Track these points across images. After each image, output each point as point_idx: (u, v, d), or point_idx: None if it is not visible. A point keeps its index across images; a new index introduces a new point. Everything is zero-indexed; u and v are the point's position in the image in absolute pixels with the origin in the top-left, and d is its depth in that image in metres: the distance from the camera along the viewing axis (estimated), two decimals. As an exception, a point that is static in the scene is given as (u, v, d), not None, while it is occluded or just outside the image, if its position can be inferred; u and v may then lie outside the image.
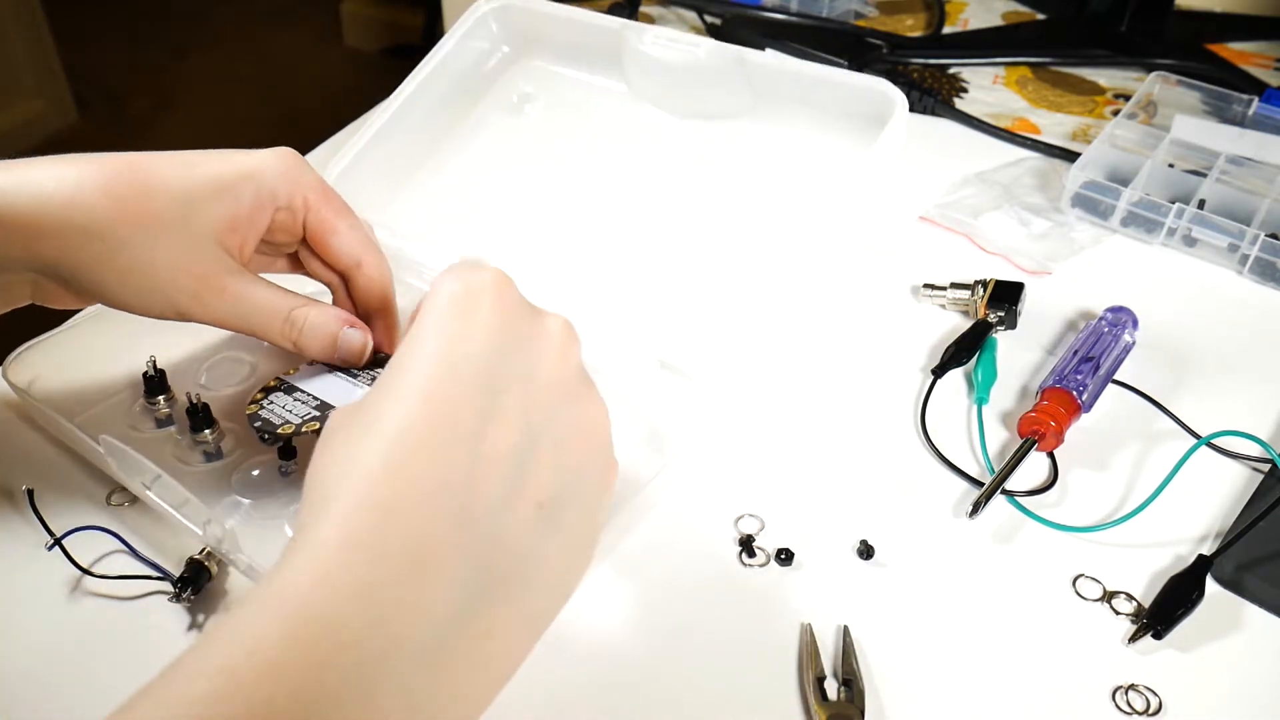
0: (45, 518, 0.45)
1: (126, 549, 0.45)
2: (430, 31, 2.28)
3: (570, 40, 0.66)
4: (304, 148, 0.74)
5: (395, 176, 0.64)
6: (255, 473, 0.48)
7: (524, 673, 0.42)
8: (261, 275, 0.46)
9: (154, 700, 0.26)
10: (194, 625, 0.43)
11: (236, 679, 0.26)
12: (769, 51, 0.60)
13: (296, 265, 0.50)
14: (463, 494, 0.30)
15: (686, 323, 0.53)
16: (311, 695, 0.26)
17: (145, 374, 0.51)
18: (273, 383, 0.48)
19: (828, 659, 0.42)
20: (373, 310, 0.48)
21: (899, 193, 0.71)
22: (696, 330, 0.52)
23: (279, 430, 0.45)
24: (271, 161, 0.45)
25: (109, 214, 0.41)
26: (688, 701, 0.41)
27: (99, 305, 0.45)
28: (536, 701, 0.41)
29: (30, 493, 0.46)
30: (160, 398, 0.51)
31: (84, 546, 0.45)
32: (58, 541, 0.44)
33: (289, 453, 0.48)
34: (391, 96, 0.63)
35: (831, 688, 0.41)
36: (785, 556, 0.46)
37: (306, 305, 0.45)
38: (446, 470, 0.30)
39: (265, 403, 0.47)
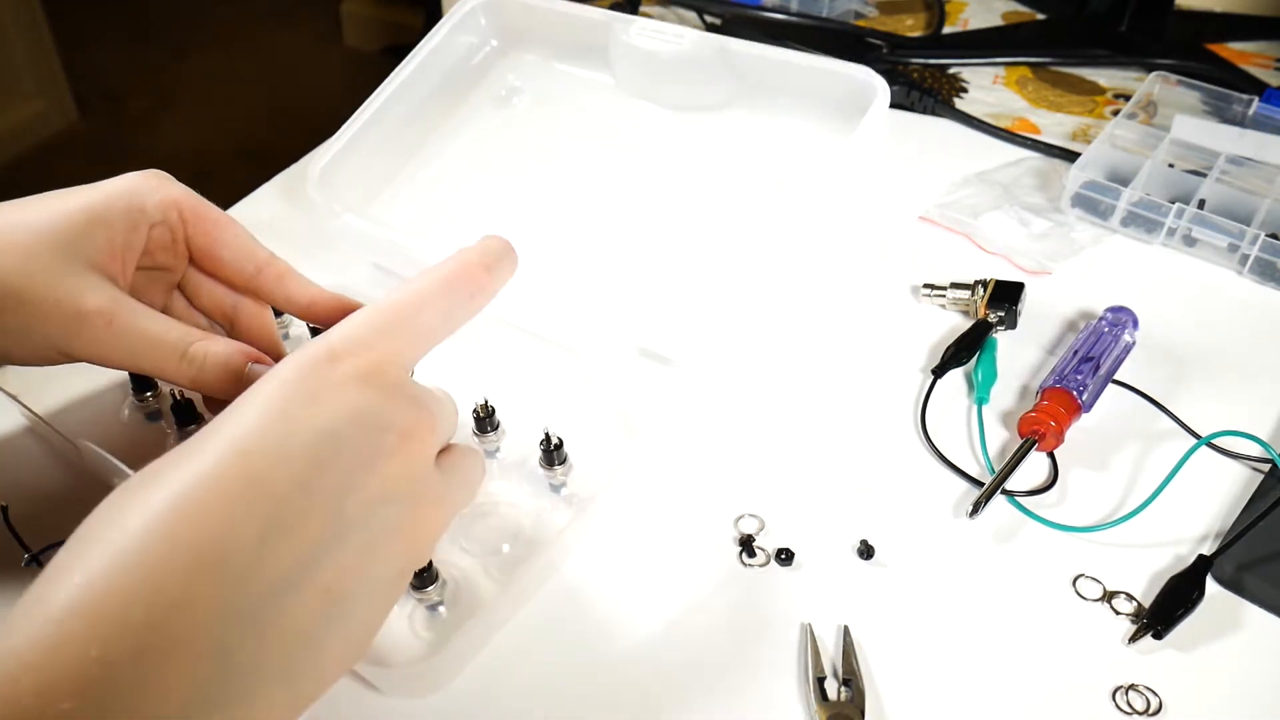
0: (45, 523, 0.45)
1: None
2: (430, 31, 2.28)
3: (558, 33, 0.67)
4: (304, 148, 0.74)
5: (382, 169, 0.64)
6: None
7: (525, 672, 0.42)
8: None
9: None
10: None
11: None
12: (752, 41, 0.60)
13: (183, 303, 0.46)
14: (243, 567, 0.28)
15: (671, 311, 0.53)
16: None
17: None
18: None
19: (828, 659, 0.42)
20: (303, 306, 0.45)
21: (899, 193, 0.71)
22: (681, 318, 0.53)
23: None
24: (137, 181, 0.42)
25: None
26: (688, 701, 0.41)
27: None
28: (537, 701, 0.41)
29: (4, 509, 0.46)
30: (149, 394, 0.51)
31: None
32: (34, 558, 0.44)
33: None
34: (379, 89, 0.63)
35: (832, 688, 0.41)
36: (785, 556, 0.46)
37: (206, 339, 0.40)
38: (233, 537, 0.28)
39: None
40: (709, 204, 0.59)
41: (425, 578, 0.42)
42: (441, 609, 0.43)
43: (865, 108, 0.54)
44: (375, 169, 0.63)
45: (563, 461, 0.47)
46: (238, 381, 0.40)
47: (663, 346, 0.52)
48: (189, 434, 0.48)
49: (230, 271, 0.44)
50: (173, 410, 0.49)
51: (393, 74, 0.64)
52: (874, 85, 0.54)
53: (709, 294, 0.53)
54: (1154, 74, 0.77)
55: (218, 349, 0.40)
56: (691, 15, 0.94)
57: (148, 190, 0.42)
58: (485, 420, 0.49)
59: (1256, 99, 0.74)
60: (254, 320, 0.45)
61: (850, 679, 0.41)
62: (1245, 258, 0.64)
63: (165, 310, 0.44)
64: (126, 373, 0.51)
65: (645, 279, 0.57)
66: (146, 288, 0.45)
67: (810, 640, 0.43)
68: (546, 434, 0.47)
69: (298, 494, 0.29)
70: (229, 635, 0.27)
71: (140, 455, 0.44)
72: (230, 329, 0.46)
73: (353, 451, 0.30)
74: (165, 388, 0.51)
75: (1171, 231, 0.66)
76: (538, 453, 0.47)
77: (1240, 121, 0.75)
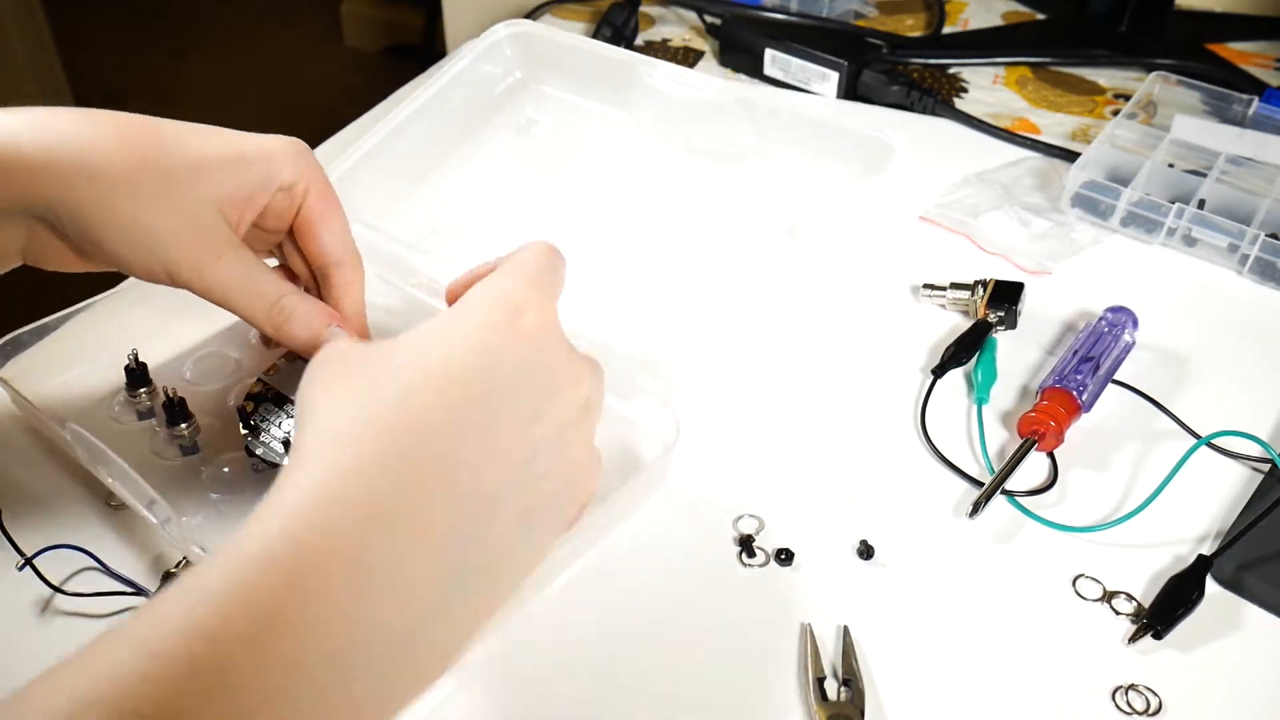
0: (42, 524, 0.45)
1: (99, 566, 0.44)
2: (430, 31, 2.27)
3: (581, 70, 0.68)
4: (303, 148, 0.74)
5: (396, 185, 0.64)
6: (226, 469, 0.48)
7: (526, 672, 0.42)
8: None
9: (79, 669, 0.24)
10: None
11: (186, 645, 0.24)
12: (774, 91, 0.61)
13: (276, 258, 0.50)
14: (468, 484, 0.30)
15: (672, 321, 0.53)
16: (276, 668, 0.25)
17: (127, 366, 0.51)
18: (256, 388, 0.48)
19: (827, 659, 0.42)
20: (344, 314, 0.48)
21: (899, 193, 0.71)
22: (681, 325, 0.53)
23: (280, 464, 0.46)
24: (283, 145, 0.45)
25: (122, 162, 0.41)
26: (688, 701, 0.41)
27: (88, 306, 0.45)
28: (538, 700, 0.41)
29: None
30: (142, 391, 0.51)
31: (65, 562, 0.44)
32: (28, 562, 0.44)
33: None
34: (400, 106, 0.63)
35: (831, 688, 0.41)
36: (785, 556, 0.46)
37: (297, 295, 0.44)
38: (458, 452, 0.30)
39: (259, 420, 0.47)
40: (714, 242, 0.60)
41: None
42: None
43: (883, 161, 0.56)
44: (389, 183, 0.63)
45: None
46: (316, 340, 0.43)
47: (662, 353, 0.52)
48: (178, 433, 0.49)
49: (318, 252, 0.47)
50: (164, 408, 0.49)
51: (414, 91, 0.65)
52: (891, 145, 0.56)
53: (712, 310, 0.53)
54: (1154, 74, 0.77)
55: (307, 305, 0.44)
56: (691, 15, 0.94)
57: (288, 157, 0.44)
58: None
59: (1256, 99, 0.74)
60: (348, 288, 0.47)
61: (850, 679, 0.41)
62: (1245, 258, 0.64)
63: None
64: (123, 369, 0.51)
65: (648, 306, 0.57)
66: (252, 242, 0.47)
67: (810, 640, 0.43)
68: None
69: (505, 417, 0.31)
70: (453, 550, 0.29)
71: (125, 450, 0.44)
72: (323, 286, 0.48)
73: (541, 385, 0.33)
74: (159, 385, 0.51)
75: (1171, 231, 0.66)
76: None
77: (1240, 121, 0.75)
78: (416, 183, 0.65)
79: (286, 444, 0.46)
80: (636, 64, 0.64)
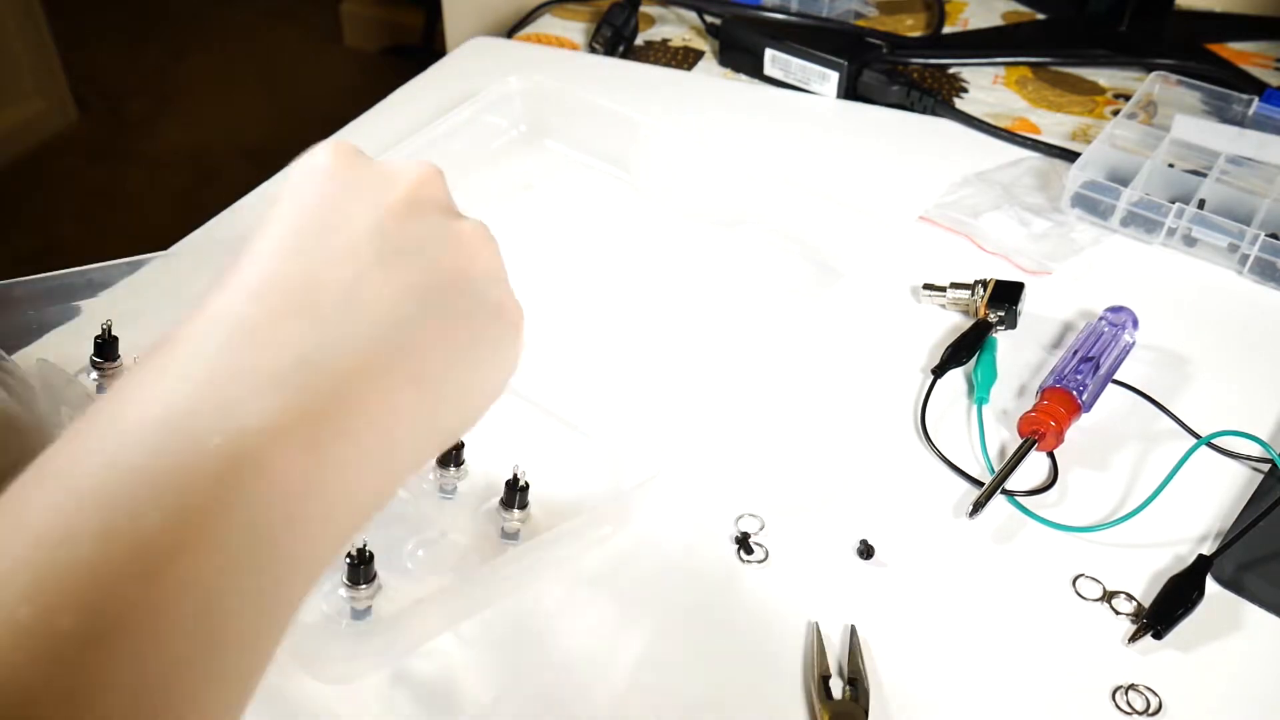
0: None
1: None
2: (430, 31, 2.27)
3: (588, 127, 0.70)
4: (304, 148, 0.74)
5: None
6: None
7: (527, 673, 0.42)
8: None
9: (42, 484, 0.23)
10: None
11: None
12: (778, 176, 0.64)
13: None
14: (318, 274, 0.28)
15: (672, 395, 0.54)
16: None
17: (96, 337, 0.49)
18: None
19: (833, 657, 0.42)
20: None
21: (899, 193, 0.71)
22: (683, 398, 0.54)
23: None
24: None
25: None
26: (690, 700, 0.41)
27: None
28: (539, 700, 0.41)
29: None
30: (110, 365, 0.49)
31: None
32: None
33: None
34: (399, 144, 0.64)
35: (836, 686, 0.41)
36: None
37: None
38: (304, 260, 0.28)
39: None
40: (705, 309, 0.61)
41: (360, 573, 0.41)
42: (369, 617, 0.42)
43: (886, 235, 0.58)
44: None
45: (524, 506, 0.46)
46: None
47: (660, 355, 0.52)
48: None
49: None
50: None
51: (419, 132, 0.65)
52: (893, 228, 0.58)
53: (700, 312, 0.54)
54: (1154, 74, 0.77)
55: None
56: (691, 15, 0.94)
57: None
58: (450, 454, 0.47)
59: (1256, 99, 0.74)
60: None
61: (856, 678, 0.41)
62: (1245, 258, 0.64)
63: None
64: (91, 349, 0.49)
65: (633, 369, 0.58)
66: None
67: (816, 639, 0.43)
68: (515, 475, 0.45)
69: (331, 228, 0.29)
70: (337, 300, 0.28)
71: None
72: None
73: (370, 193, 0.31)
74: (128, 359, 0.49)
75: (1171, 231, 0.66)
76: (499, 495, 0.46)
77: (1240, 121, 0.75)
78: None
79: None
80: (640, 125, 0.66)
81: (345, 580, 0.42)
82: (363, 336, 0.27)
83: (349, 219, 0.30)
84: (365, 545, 0.41)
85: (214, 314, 0.27)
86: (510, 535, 0.46)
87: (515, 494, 0.45)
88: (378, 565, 0.42)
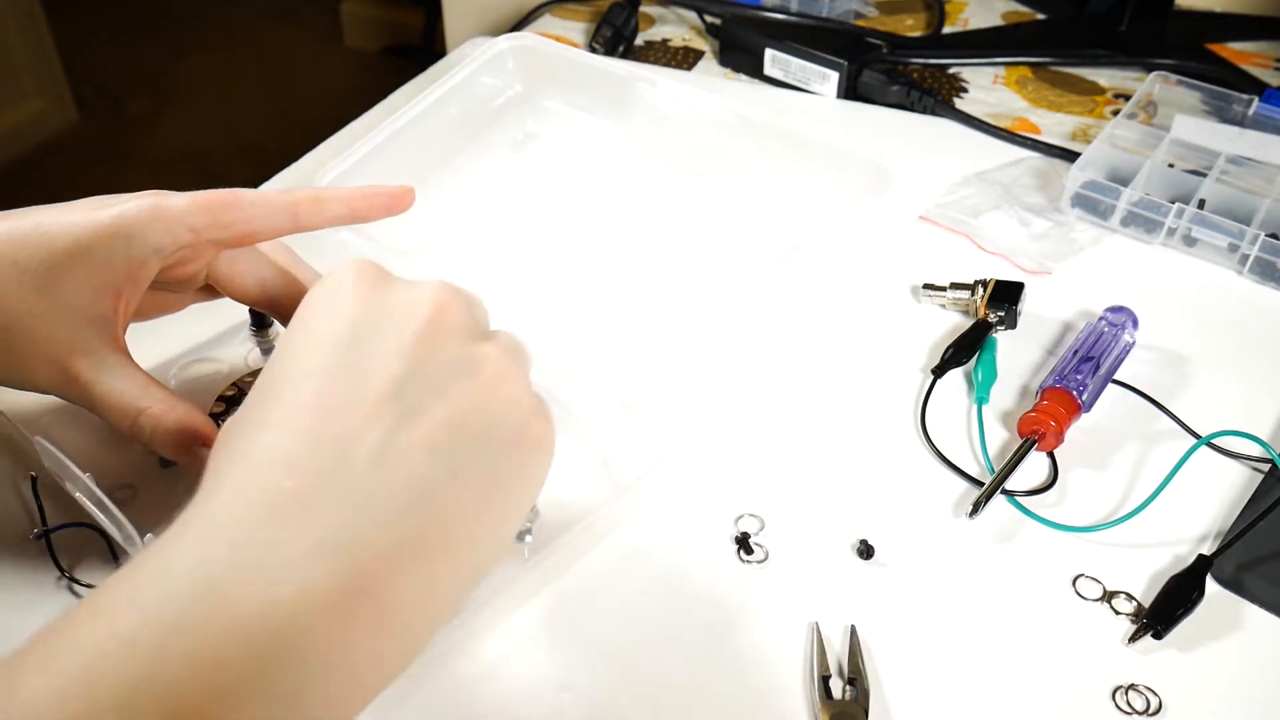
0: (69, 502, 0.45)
1: (110, 554, 0.44)
2: (430, 31, 2.27)
3: (582, 85, 0.68)
4: (304, 147, 0.74)
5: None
6: None
7: (529, 671, 0.42)
8: (131, 351, 0.42)
9: (35, 669, 0.24)
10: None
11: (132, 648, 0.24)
12: (773, 102, 0.62)
13: (212, 293, 0.47)
14: (347, 443, 0.29)
15: (672, 344, 0.54)
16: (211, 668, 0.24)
17: None
18: (229, 391, 0.47)
19: (833, 657, 0.42)
20: None
21: (899, 193, 0.71)
22: (682, 351, 0.53)
23: None
24: (129, 215, 0.40)
25: None
26: (691, 699, 0.41)
27: None
28: (540, 700, 0.41)
29: (34, 479, 0.46)
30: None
31: (88, 544, 0.45)
32: (45, 534, 0.44)
33: None
34: (397, 114, 0.63)
35: (836, 686, 0.41)
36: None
37: (161, 408, 0.41)
38: (334, 427, 0.29)
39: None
40: (714, 260, 0.60)
41: None
42: None
43: (884, 185, 0.56)
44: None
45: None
46: (190, 456, 0.41)
47: (657, 355, 0.52)
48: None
49: (271, 235, 0.44)
50: None
51: (413, 99, 0.65)
52: (890, 170, 0.57)
53: (709, 324, 0.54)
54: (1154, 74, 0.77)
55: (168, 423, 0.41)
56: (691, 15, 0.94)
57: (145, 225, 0.40)
58: None
59: (1256, 99, 0.74)
60: (320, 219, 0.44)
61: (856, 678, 0.41)
62: (1245, 257, 0.64)
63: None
64: None
65: (634, 327, 0.58)
66: (165, 302, 0.46)
67: (816, 639, 0.43)
68: None
69: (359, 375, 0.30)
70: (340, 507, 0.28)
71: (100, 461, 0.44)
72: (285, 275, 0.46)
73: (391, 326, 0.31)
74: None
75: (1171, 231, 0.66)
76: None
77: (1240, 121, 0.75)
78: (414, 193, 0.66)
79: None
80: (636, 80, 0.65)
81: None
82: (393, 511, 0.28)
83: (374, 362, 0.30)
84: None
85: (254, 484, 0.28)
86: (520, 535, 0.46)
87: None
88: None
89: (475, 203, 0.65)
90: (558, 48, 0.68)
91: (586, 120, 0.69)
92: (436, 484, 0.29)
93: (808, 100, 0.82)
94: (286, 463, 0.28)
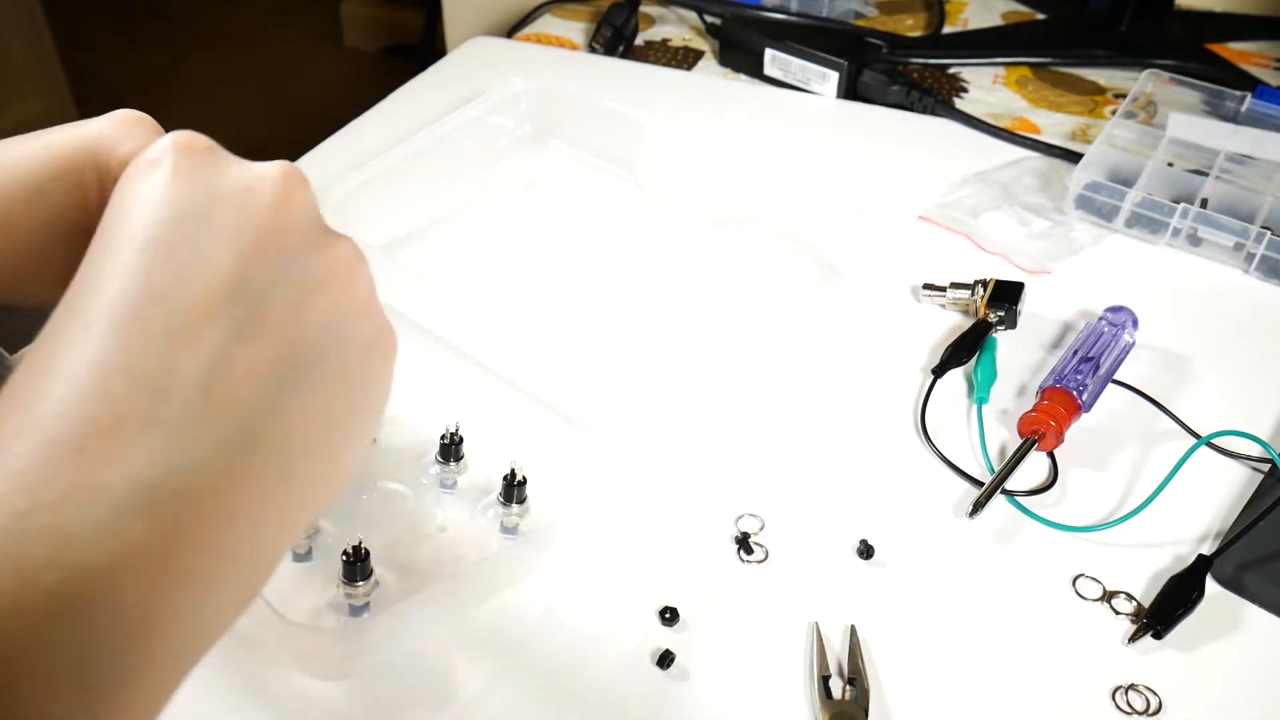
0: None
1: None
2: (430, 31, 2.27)
3: (592, 128, 0.70)
4: (303, 147, 0.74)
5: (393, 219, 0.65)
6: None
7: (523, 670, 0.42)
8: None
9: None
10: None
11: None
12: (778, 175, 0.64)
13: None
14: (169, 364, 0.24)
15: (680, 386, 0.54)
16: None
17: None
18: None
19: (833, 657, 0.42)
20: None
21: (899, 193, 0.71)
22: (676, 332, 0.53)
23: None
24: (106, 128, 0.32)
25: None
26: (690, 700, 0.41)
27: None
28: (541, 699, 0.41)
29: None
30: None
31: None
32: None
33: None
34: (406, 140, 0.64)
35: (836, 686, 0.41)
36: (670, 616, 0.46)
37: None
38: (153, 345, 0.24)
39: None
40: (710, 311, 0.61)
41: (357, 570, 0.41)
42: (366, 614, 0.43)
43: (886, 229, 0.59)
44: (388, 215, 0.64)
45: (521, 501, 0.46)
46: None
47: (657, 354, 0.52)
48: None
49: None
50: None
51: (427, 129, 0.65)
52: (893, 228, 0.58)
53: (698, 312, 0.55)
54: (1147, 72, 0.77)
55: None
56: (691, 15, 0.94)
57: (126, 137, 0.32)
58: (450, 449, 0.48)
59: (1250, 95, 0.74)
60: None
61: (855, 678, 0.41)
62: (1251, 256, 0.64)
63: None
64: None
65: (639, 336, 0.58)
66: None
67: (816, 639, 0.43)
68: (512, 470, 0.46)
69: (177, 288, 0.25)
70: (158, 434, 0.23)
71: None
72: None
73: (221, 222, 0.26)
74: None
75: (1176, 231, 0.66)
76: (497, 489, 0.47)
77: (1234, 118, 0.75)
78: (414, 218, 0.66)
79: None
80: (644, 127, 0.67)
81: (342, 578, 0.42)
82: (220, 442, 0.24)
83: (204, 261, 0.25)
84: (361, 543, 0.42)
85: (52, 421, 0.23)
86: (509, 530, 0.47)
87: (513, 489, 0.46)
88: (378, 562, 0.43)
89: (477, 235, 0.66)
90: (571, 92, 0.70)
91: (592, 162, 0.71)
92: (272, 411, 0.25)
93: (808, 100, 0.82)
94: (94, 393, 0.23)
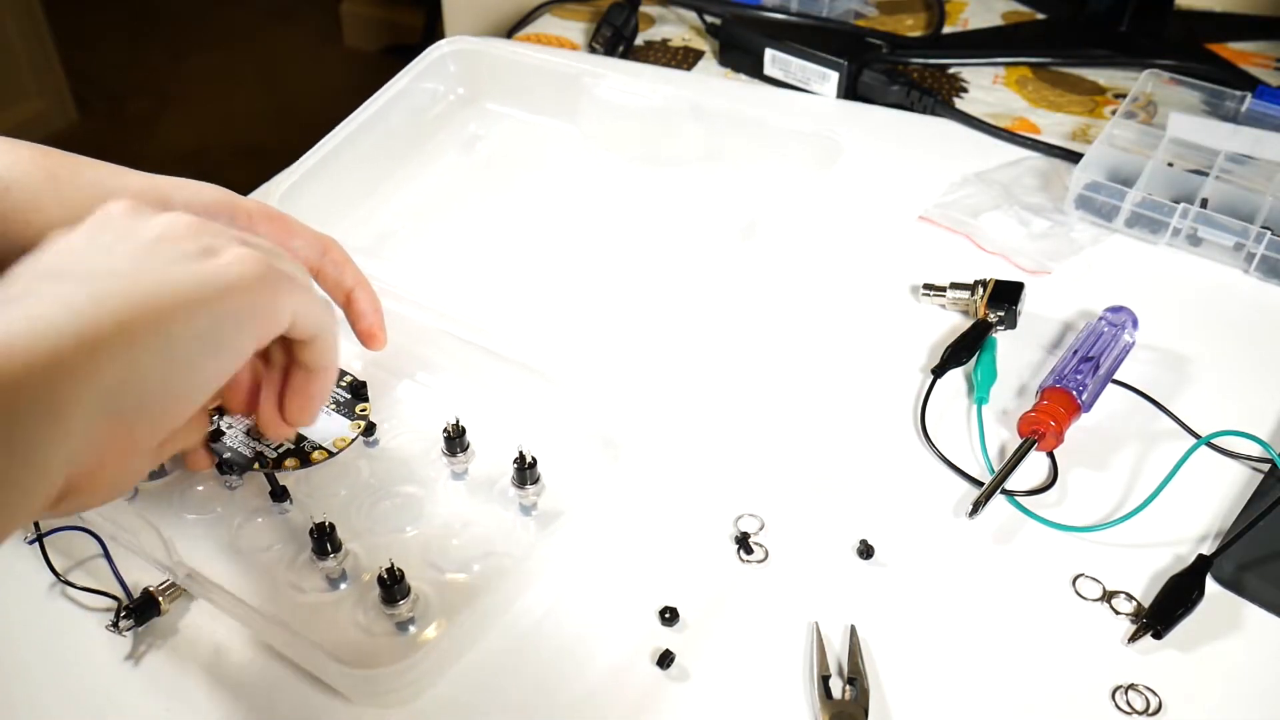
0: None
1: (105, 558, 0.44)
2: (430, 31, 2.27)
3: (527, 85, 0.68)
4: (302, 147, 0.74)
5: (341, 202, 0.64)
6: (200, 488, 0.48)
7: (529, 671, 0.42)
8: None
9: None
10: (131, 655, 0.43)
11: None
12: (725, 97, 0.63)
13: None
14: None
15: (650, 339, 0.54)
16: None
17: None
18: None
19: (833, 657, 0.42)
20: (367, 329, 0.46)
21: (899, 193, 0.71)
22: (661, 344, 0.53)
23: (253, 467, 0.47)
24: (216, 196, 0.43)
25: (38, 180, 0.41)
26: (691, 700, 0.41)
27: None
28: (541, 699, 0.41)
29: None
30: None
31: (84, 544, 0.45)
32: (39, 538, 0.44)
33: (280, 495, 0.47)
34: (343, 123, 0.63)
35: (836, 686, 0.41)
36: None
37: None
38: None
39: (221, 427, 0.48)
40: (678, 250, 0.61)
41: (395, 591, 0.42)
42: (412, 627, 0.43)
43: (834, 159, 0.58)
44: (334, 200, 0.63)
45: (535, 481, 0.47)
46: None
47: (657, 354, 0.52)
48: None
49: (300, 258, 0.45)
50: None
51: (358, 110, 0.65)
52: (840, 144, 0.58)
53: (698, 312, 0.54)
54: (1147, 72, 0.77)
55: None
56: (691, 15, 0.94)
57: (212, 205, 0.42)
58: (455, 440, 0.48)
59: (1249, 95, 0.74)
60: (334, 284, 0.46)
61: (855, 678, 0.41)
62: (1251, 256, 0.64)
63: None
64: None
65: (619, 311, 0.58)
66: None
67: (816, 639, 0.43)
68: (520, 453, 0.47)
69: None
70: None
71: None
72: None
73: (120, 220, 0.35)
74: None
75: (1177, 231, 0.66)
76: (509, 473, 0.47)
77: (1234, 118, 0.74)
78: (362, 199, 0.66)
79: (250, 433, 0.48)
80: (582, 75, 0.65)
81: (382, 601, 0.42)
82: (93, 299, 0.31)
83: (113, 239, 0.34)
84: (393, 564, 0.42)
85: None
86: (529, 509, 0.48)
87: (525, 471, 0.47)
88: (411, 568, 0.43)
89: (428, 204, 0.66)
90: (496, 48, 0.68)
91: (532, 119, 0.69)
92: (121, 276, 0.32)
93: (807, 100, 0.82)
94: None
